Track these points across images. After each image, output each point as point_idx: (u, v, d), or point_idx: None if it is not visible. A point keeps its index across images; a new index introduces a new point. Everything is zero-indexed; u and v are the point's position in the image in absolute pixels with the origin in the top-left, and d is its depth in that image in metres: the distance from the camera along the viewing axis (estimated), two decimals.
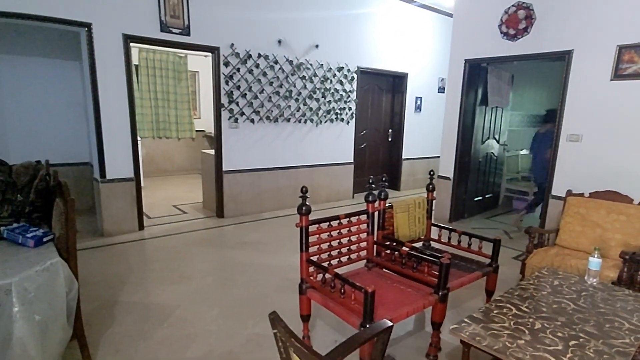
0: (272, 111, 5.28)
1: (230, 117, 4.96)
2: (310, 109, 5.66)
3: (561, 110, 4.01)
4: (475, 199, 5.49)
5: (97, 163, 4.10)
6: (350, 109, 6.14)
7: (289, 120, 5.48)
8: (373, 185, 2.60)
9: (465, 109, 4.96)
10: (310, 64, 5.52)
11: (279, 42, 5.16)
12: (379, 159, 7.04)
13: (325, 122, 5.90)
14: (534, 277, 2.40)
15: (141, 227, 4.46)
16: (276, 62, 5.17)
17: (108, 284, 3.13)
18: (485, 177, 5.57)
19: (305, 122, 5.67)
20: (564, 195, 4.05)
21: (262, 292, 3.15)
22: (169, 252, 3.89)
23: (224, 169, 5.04)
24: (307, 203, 2.26)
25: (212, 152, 5.17)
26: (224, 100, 4.88)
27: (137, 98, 7.04)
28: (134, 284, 3.17)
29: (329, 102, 5.84)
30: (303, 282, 2.29)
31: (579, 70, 3.87)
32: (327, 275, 2.15)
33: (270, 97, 5.21)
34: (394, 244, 2.71)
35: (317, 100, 5.70)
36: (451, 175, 5.13)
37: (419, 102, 7.08)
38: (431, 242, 3.10)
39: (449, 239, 2.96)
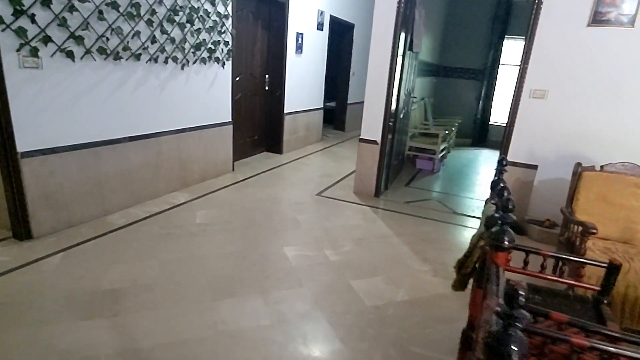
0: (107, 39, 2.95)
1: (21, 47, 2.47)
2: (172, 40, 3.51)
3: (525, 61, 3.34)
4: (394, 163, 4.65)
5: None
6: (227, 43, 4.19)
7: (138, 57, 3.23)
8: (498, 208, 1.23)
9: (395, 55, 3.83)
10: None
11: None
12: (255, 114, 5.37)
13: (195, 62, 3.84)
14: None
15: None
16: None
17: None
18: (400, 136, 4.75)
19: (165, 61, 3.50)
20: (521, 162, 3.58)
21: None
22: None
23: (19, 149, 2.59)
24: None
25: None
26: (2, 8, 2.34)
27: None
28: None
29: (198, 30, 3.77)
30: None
31: (550, 12, 3.20)
32: None
33: (101, 13, 2.85)
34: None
35: (182, 26, 3.57)
36: (379, 139, 4.06)
37: (300, 41, 5.59)
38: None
39: (526, 264, 1.89)
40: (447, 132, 5.46)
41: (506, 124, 3.55)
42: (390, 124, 4.06)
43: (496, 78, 7.37)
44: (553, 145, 3.43)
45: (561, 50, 3.23)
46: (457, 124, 6.24)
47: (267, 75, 5.38)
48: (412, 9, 3.88)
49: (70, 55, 2.73)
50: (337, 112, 7.79)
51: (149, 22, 3.23)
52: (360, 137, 4.12)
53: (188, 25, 3.62)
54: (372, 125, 4.04)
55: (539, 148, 3.48)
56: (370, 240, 3.23)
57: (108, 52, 2.96)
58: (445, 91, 7.56)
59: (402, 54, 3.94)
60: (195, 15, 3.66)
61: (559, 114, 3.34)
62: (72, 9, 2.67)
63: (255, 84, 5.23)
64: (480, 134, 7.72)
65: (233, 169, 4.72)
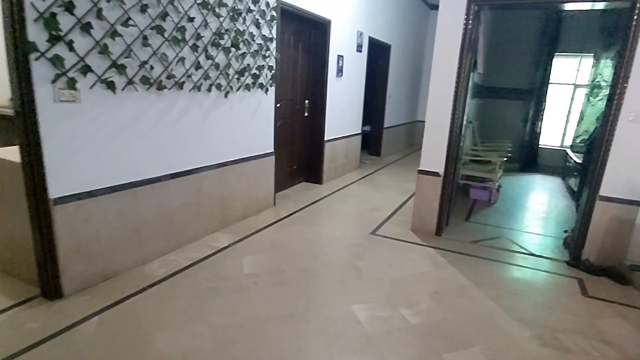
0: (151, 67, 2.63)
1: (56, 78, 2.14)
2: (217, 65, 3.18)
3: (623, 78, 2.88)
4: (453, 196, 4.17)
5: None
6: (271, 68, 3.87)
7: (181, 86, 2.90)
8: None
9: (462, 77, 3.42)
10: None
11: None
12: (295, 142, 5.00)
13: (238, 89, 3.51)
14: None
15: None
16: None
17: None
18: (458, 165, 4.28)
19: (209, 89, 3.17)
20: (619, 197, 3.07)
21: None
22: None
23: (51, 195, 2.23)
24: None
25: (11, 154, 2.27)
26: (36, 34, 2.03)
27: None
28: None
29: (243, 55, 3.45)
30: None
31: None
32: None
33: (144, 39, 2.54)
34: None
35: (227, 51, 3.25)
36: (441, 170, 3.61)
37: (340, 63, 5.26)
38: None
39: None
40: (504, 158, 4.96)
41: (598, 152, 3.06)
42: (454, 153, 3.61)
43: (545, 98, 6.88)
44: None
45: None
46: (509, 148, 5.74)
47: (306, 101, 5.03)
48: (478, 26, 3.49)
49: (111, 86, 2.41)
50: (372, 136, 7.38)
51: (194, 47, 2.91)
52: (419, 168, 3.68)
53: (233, 49, 3.30)
54: (433, 155, 3.60)
55: None
56: (448, 293, 2.74)
57: (151, 81, 2.64)
58: (488, 113, 7.09)
59: (466, 75, 3.53)
60: (240, 39, 3.35)
61: None
62: (114, 34, 2.36)
63: (295, 110, 4.89)
64: (529, 158, 7.18)
65: (274, 204, 4.33)
